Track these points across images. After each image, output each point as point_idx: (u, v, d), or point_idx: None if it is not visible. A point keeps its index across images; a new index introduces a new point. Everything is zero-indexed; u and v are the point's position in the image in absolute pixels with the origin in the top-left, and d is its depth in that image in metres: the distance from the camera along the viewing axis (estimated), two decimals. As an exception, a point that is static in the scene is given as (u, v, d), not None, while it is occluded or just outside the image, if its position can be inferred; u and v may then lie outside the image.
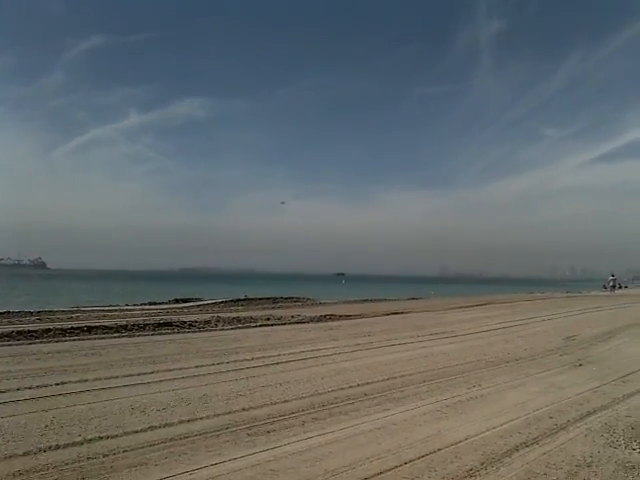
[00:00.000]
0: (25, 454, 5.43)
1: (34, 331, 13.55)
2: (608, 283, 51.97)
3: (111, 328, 14.78)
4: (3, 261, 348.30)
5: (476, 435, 6.20)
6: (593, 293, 50.43)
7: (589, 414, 7.20)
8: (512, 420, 6.83)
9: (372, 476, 4.92)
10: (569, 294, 48.07)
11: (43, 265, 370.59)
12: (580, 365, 10.80)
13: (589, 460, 5.44)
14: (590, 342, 14.19)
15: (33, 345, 12.16)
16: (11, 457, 5.34)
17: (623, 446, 5.91)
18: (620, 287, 60.01)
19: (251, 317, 19.18)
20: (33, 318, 17.43)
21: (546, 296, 43.25)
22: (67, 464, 5.17)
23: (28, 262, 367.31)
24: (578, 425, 6.68)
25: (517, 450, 5.70)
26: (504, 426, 6.57)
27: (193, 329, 15.86)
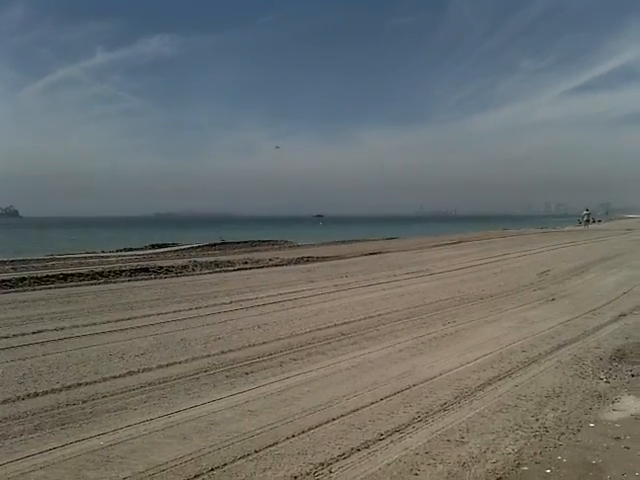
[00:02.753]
0: (3, 402, 5.44)
1: (8, 280, 13.38)
2: (582, 218, 52.61)
3: (87, 275, 14.67)
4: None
5: (450, 370, 6.35)
6: (567, 228, 51.19)
7: (559, 347, 7.40)
8: (485, 355, 7.00)
9: (348, 413, 5.04)
10: (544, 230, 48.75)
11: (15, 213, 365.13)
12: (553, 300, 11.04)
13: (558, 391, 5.62)
14: (563, 277, 14.49)
15: (8, 294, 12.04)
16: (-10, 406, 5.35)
17: (591, 377, 6.11)
18: (594, 221, 60.92)
19: (228, 261, 19.17)
20: (7, 267, 17.17)
21: (520, 232, 43.81)
22: (46, 411, 5.20)
23: (0, 211, 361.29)
24: (549, 358, 6.87)
25: (490, 384, 5.86)
26: (478, 361, 6.73)
27: (170, 274, 15.82)
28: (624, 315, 9.44)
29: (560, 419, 4.86)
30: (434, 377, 6.11)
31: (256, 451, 4.24)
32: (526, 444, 4.34)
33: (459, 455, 4.14)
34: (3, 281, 13.24)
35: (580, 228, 49.02)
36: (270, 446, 4.33)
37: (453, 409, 5.12)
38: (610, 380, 5.98)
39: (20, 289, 12.75)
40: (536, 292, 12.05)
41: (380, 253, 23.71)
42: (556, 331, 8.34)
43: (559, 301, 10.89)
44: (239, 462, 4.06)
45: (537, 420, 4.83)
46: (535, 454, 4.17)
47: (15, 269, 16.63)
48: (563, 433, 4.55)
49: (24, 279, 13.64)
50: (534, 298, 11.25)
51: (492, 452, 4.20)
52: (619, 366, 6.49)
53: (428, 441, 4.39)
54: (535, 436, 4.49)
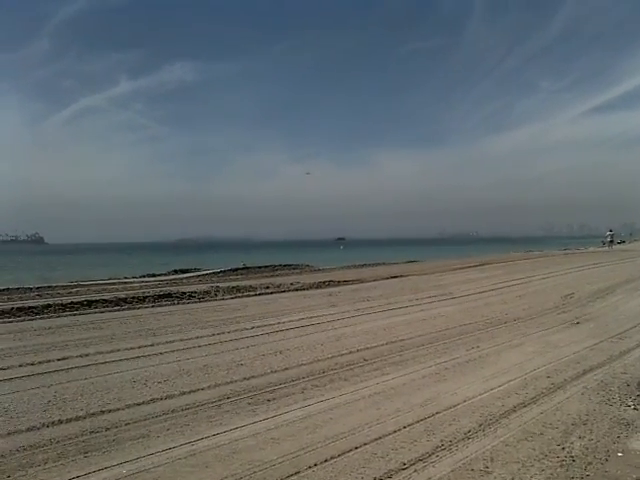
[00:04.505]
0: (29, 430, 5.49)
1: (34, 307, 13.58)
2: (606, 238, 51.97)
3: (111, 302, 14.83)
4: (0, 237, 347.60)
5: (474, 397, 6.28)
6: (591, 249, 50.61)
7: (585, 372, 7.28)
8: (510, 381, 6.91)
9: (371, 441, 5.00)
10: (567, 251, 48.18)
11: (41, 240, 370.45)
12: (578, 323, 10.89)
13: (584, 418, 5.52)
14: (588, 299, 14.29)
15: (34, 321, 12.21)
16: (15, 433, 5.41)
17: (618, 403, 6.00)
18: (618, 242, 60.16)
19: (250, 286, 19.24)
20: (33, 294, 17.46)
21: (543, 254, 43.37)
22: (70, 439, 5.24)
23: (25, 237, 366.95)
24: (574, 384, 6.76)
25: (514, 411, 5.78)
26: (502, 387, 6.65)
27: (193, 300, 15.91)
28: (652, 339, 9.26)
29: (587, 448, 4.77)
30: (458, 404, 6.04)
31: (278, 480, 4.22)
32: (552, 474, 4.26)
33: (484, 485, 4.08)
34: (30, 308, 13.44)
35: (604, 249, 48.43)
36: (292, 475, 4.31)
37: (477, 437, 5.06)
38: (638, 407, 5.86)
39: (45, 316, 12.91)
40: (560, 315, 11.89)
41: (402, 276, 23.61)
42: (581, 356, 8.21)
43: (584, 324, 10.73)
44: (261, 492, 4.05)
45: (563, 449, 4.75)
46: (562, 484, 4.09)
47: (41, 296, 16.87)
48: (590, 463, 4.47)
49: (49, 305, 13.82)
50: (558, 322, 11.10)
51: (518, 482, 4.13)
52: (647, 392, 6.36)
53: (452, 470, 4.34)
54: (562, 466, 4.41)
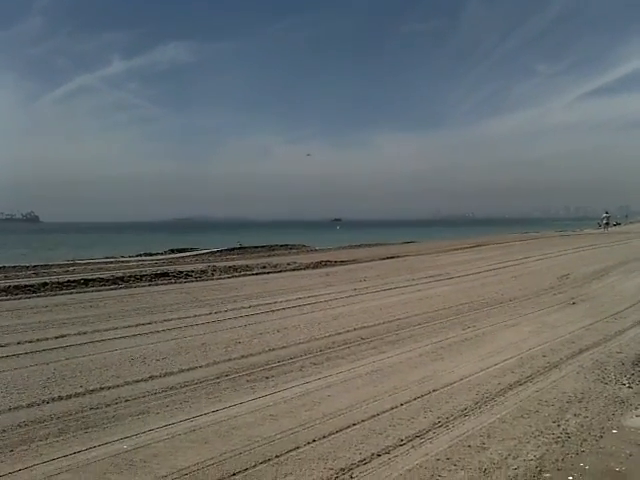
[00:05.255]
0: (29, 406, 5.53)
1: (31, 285, 13.58)
2: (602, 221, 51.98)
3: (108, 280, 14.83)
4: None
5: (470, 375, 6.33)
6: (587, 231, 50.67)
7: (581, 352, 7.34)
8: (506, 360, 6.96)
9: (369, 418, 5.04)
10: (563, 233, 48.28)
11: (36, 219, 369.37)
12: (573, 303, 10.95)
13: (580, 396, 5.58)
14: (584, 280, 14.36)
15: (31, 299, 12.22)
16: (16, 409, 5.45)
17: (613, 382, 6.05)
18: (614, 224, 60.23)
19: (247, 265, 19.26)
20: (30, 272, 17.42)
21: (540, 235, 43.48)
22: (70, 414, 5.28)
23: (21, 216, 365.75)
24: (570, 363, 6.82)
25: (511, 389, 5.83)
26: (498, 366, 6.70)
27: (190, 279, 15.93)
28: (646, 319, 9.33)
29: (582, 425, 4.83)
30: (454, 382, 6.09)
31: (277, 456, 4.27)
32: (548, 450, 4.32)
33: (480, 461, 4.13)
34: (26, 286, 13.43)
35: (599, 231, 48.49)
36: (291, 451, 4.36)
37: (474, 414, 5.11)
38: (633, 385, 5.92)
39: (42, 294, 12.92)
40: (556, 296, 11.95)
41: (398, 257, 23.67)
42: (577, 335, 8.27)
43: (580, 305, 10.80)
44: (260, 467, 4.09)
45: (559, 426, 4.80)
46: (557, 461, 4.14)
47: (37, 274, 16.86)
48: (585, 439, 4.52)
49: (46, 284, 13.82)
50: (554, 302, 11.16)
51: (513, 458, 4.19)
52: (642, 371, 6.43)
53: (449, 447, 4.39)
54: (557, 442, 4.46)
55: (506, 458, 4.19)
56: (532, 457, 4.20)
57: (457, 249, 28.27)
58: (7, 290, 12.98)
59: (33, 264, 20.50)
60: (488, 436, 4.59)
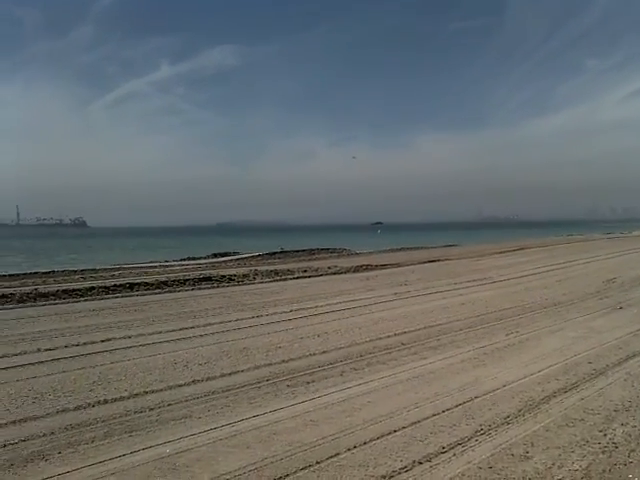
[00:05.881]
0: (76, 409, 5.68)
1: (78, 289, 13.95)
2: (651, 222, 50.62)
3: (152, 284, 15.12)
4: (46, 221, 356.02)
5: (514, 382, 6.23)
6: (635, 233, 49.38)
7: (628, 358, 7.14)
8: (550, 366, 6.83)
9: (410, 425, 5.01)
10: (609, 235, 47.13)
11: (84, 224, 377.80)
12: (620, 308, 10.68)
13: (627, 405, 5.43)
14: (631, 284, 13.99)
15: (78, 303, 12.54)
16: (64, 411, 5.60)
17: (663, 390, 5.88)
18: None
19: (288, 269, 19.37)
20: (77, 277, 17.91)
21: (585, 238, 42.55)
22: (115, 418, 5.40)
23: (69, 221, 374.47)
24: (617, 370, 6.64)
25: (555, 396, 5.72)
26: (542, 372, 6.58)
27: (232, 283, 16.12)
28: (698, 325, 9.03)
29: (630, 435, 4.70)
30: (497, 389, 6.01)
31: (318, 462, 4.28)
32: (594, 460, 4.21)
33: (524, 470, 4.06)
34: (74, 290, 13.80)
35: (650, 233, 47.15)
36: (331, 457, 4.36)
37: (517, 422, 5.03)
38: (684, 394, 5.74)
39: (89, 298, 13.25)
40: (602, 300, 11.67)
41: (439, 261, 23.46)
42: (624, 341, 8.06)
43: (627, 310, 10.52)
44: (301, 473, 4.11)
45: (605, 435, 4.69)
46: (604, 471, 4.04)
47: (84, 278, 17.30)
48: (633, 450, 4.40)
49: (93, 288, 14.17)
50: (600, 307, 10.90)
51: (558, 468, 4.10)
52: (693, 379, 6.22)
53: (491, 455, 4.33)
54: (604, 452, 4.36)
55: (550, 468, 4.10)
56: (578, 467, 4.11)
57: (500, 252, 27.85)
58: (56, 294, 13.36)
59: (81, 268, 21.04)
60: (532, 445, 4.51)
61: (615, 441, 4.56)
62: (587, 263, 20.44)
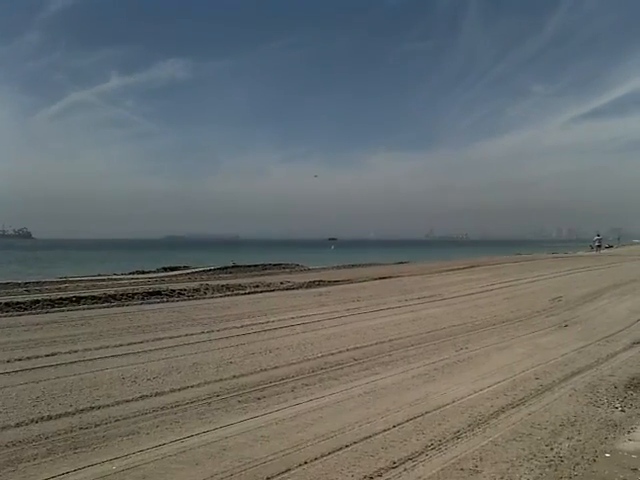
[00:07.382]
0: (17, 425, 5.46)
1: (22, 302, 13.48)
2: (594, 243, 52.30)
3: (100, 298, 14.74)
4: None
5: (463, 397, 6.31)
6: (579, 253, 50.93)
7: (573, 374, 7.34)
8: (499, 382, 6.95)
9: (361, 440, 5.01)
10: (556, 255, 48.49)
11: (28, 235, 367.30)
12: (566, 326, 10.97)
13: (572, 419, 5.57)
14: (576, 302, 14.40)
15: (22, 317, 12.12)
16: (4, 428, 5.37)
17: (606, 405, 6.05)
18: (606, 247, 60.59)
19: (239, 284, 19.20)
20: (21, 289, 17.31)
21: (532, 257, 43.60)
22: (59, 434, 5.22)
23: (13, 232, 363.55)
24: (563, 385, 6.82)
25: (503, 411, 5.82)
26: (491, 388, 6.69)
27: (182, 297, 15.86)
28: (638, 343, 9.35)
29: (575, 448, 4.81)
30: (447, 404, 6.07)
31: (268, 478, 4.23)
32: (541, 474, 4.29)
33: (473, 484, 4.11)
34: (17, 303, 13.33)
35: (592, 253, 48.75)
36: (282, 473, 4.32)
37: (466, 437, 5.09)
38: (625, 409, 5.92)
39: (34, 311, 12.82)
40: (549, 318, 11.97)
41: (391, 277, 23.66)
42: (569, 358, 8.27)
43: (572, 327, 10.82)
44: (252, 489, 4.05)
45: (552, 449, 4.79)
46: (550, 484, 4.12)
47: (29, 291, 16.73)
48: (578, 463, 4.50)
49: (37, 301, 13.72)
50: (547, 324, 11.18)
51: (506, 482, 4.16)
52: (634, 395, 6.43)
53: (442, 469, 4.36)
54: (550, 466, 4.44)
55: (499, 482, 4.16)
56: (525, 481, 4.18)
57: (450, 270, 28.29)
58: (-2, 307, 12.87)
59: (25, 281, 20.38)
60: (481, 459, 4.56)
61: (561, 455, 4.66)
62: (534, 281, 20.95)
